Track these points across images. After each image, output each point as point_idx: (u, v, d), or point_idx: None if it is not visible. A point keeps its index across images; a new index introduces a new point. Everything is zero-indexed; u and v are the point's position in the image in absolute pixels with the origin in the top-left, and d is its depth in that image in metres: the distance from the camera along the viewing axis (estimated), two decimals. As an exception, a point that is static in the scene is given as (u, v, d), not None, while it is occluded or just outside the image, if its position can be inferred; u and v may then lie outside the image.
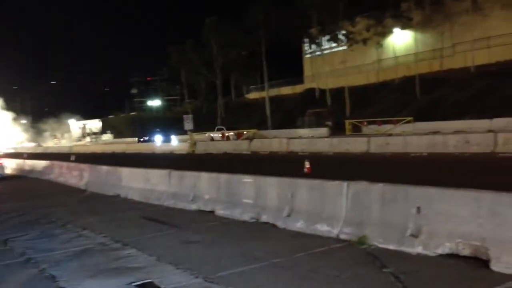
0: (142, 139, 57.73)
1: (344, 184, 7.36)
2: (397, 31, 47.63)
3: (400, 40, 48.92)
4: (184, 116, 37.27)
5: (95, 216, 10.93)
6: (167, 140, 48.25)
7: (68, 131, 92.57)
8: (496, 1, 39.35)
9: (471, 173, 12.70)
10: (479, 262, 5.45)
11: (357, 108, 45.45)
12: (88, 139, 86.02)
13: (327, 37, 53.11)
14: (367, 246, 6.55)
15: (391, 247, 6.36)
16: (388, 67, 49.25)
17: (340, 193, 7.35)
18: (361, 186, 7.17)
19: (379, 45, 47.92)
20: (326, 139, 29.87)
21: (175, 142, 45.43)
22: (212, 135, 46.24)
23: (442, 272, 5.44)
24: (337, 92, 49.37)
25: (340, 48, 52.77)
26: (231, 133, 43.45)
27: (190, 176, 11.40)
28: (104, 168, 16.18)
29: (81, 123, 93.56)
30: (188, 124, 35.34)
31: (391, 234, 6.49)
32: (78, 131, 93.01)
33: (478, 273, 5.27)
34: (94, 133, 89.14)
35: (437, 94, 40.16)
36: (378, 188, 6.91)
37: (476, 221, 5.66)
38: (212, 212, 10.01)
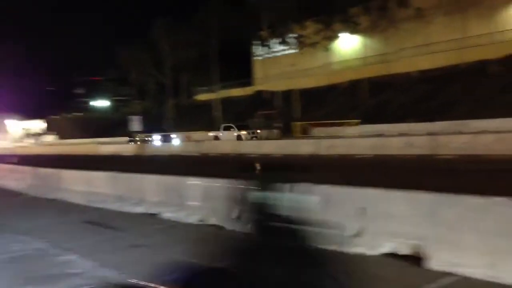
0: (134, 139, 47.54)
1: (288, 186, 7.39)
2: (345, 35, 48.77)
3: (349, 44, 50.16)
4: (130, 116, 36.40)
5: (34, 220, 10.48)
6: (167, 140, 41.49)
7: (6, 132, 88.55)
8: (438, 8, 41.02)
9: (413, 175, 13.14)
10: (418, 260, 5.62)
11: (307, 110, 46.11)
12: (30, 140, 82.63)
13: (277, 40, 53.63)
14: (311, 247, 6.60)
15: (334, 248, 6.44)
16: (337, 70, 50.28)
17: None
18: (305, 187, 7.23)
19: (328, 49, 48.87)
20: (275, 141, 30.13)
21: (177, 142, 40.04)
22: (212, 134, 39.88)
23: (382, 271, 5.57)
24: (287, 95, 49.91)
25: (290, 51, 53.43)
26: (243, 132, 37.06)
27: (135, 179, 11.15)
28: (45, 170, 15.56)
29: (23, 123, 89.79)
30: (136, 125, 34.65)
31: (333, 235, 6.57)
32: (19, 132, 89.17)
33: (415, 271, 5.44)
34: (38, 134, 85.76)
35: (383, 98, 41.41)
36: (322, 189, 7.00)
37: (416, 220, 5.85)
38: (158, 215, 9.83)
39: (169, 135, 42.09)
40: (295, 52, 52.33)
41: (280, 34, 51.76)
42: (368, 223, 6.31)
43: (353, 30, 47.15)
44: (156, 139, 41.85)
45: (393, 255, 5.94)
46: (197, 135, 44.61)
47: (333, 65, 51.17)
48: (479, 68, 35.87)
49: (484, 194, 5.41)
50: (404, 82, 41.19)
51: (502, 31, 37.86)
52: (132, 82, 72.63)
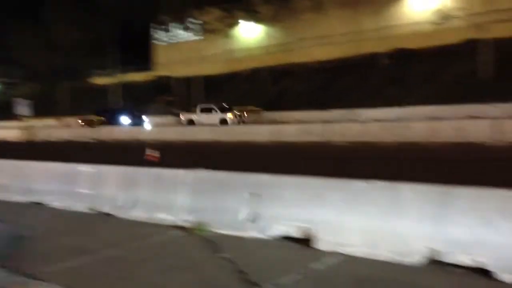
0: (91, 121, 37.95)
1: (184, 172, 7.34)
2: (248, 23, 49.23)
3: (252, 32, 50.71)
4: (16, 99, 33.53)
5: None
6: (137, 122, 35.19)
7: None
8: (334, 1, 42.84)
9: (306, 160, 13.68)
10: (307, 242, 5.85)
11: (209, 97, 46.03)
12: None
13: (179, 25, 52.75)
14: (206, 232, 6.61)
15: (229, 232, 6.51)
16: (239, 58, 50.63)
17: (180, 181, 7.31)
18: (200, 173, 7.22)
19: (230, 36, 49.03)
20: (175, 127, 29.75)
21: (148, 125, 33.93)
22: (185, 117, 33.83)
23: (273, 254, 5.74)
24: (189, 81, 49.42)
25: (193, 37, 52.85)
26: (229, 116, 31.00)
27: (19, 166, 10.37)
28: None
29: None
30: (23, 109, 32.14)
31: (228, 220, 6.64)
32: None
33: (304, 252, 5.67)
34: None
35: (284, 86, 42.58)
36: (216, 175, 7.03)
37: (305, 204, 6.08)
38: (45, 203, 9.24)
39: (139, 117, 35.88)
40: (197, 39, 51.86)
41: (180, 19, 50.91)
42: (260, 207, 6.44)
43: (255, 19, 47.71)
44: (125, 121, 35.11)
45: (285, 238, 6.13)
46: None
47: (235, 52, 51.46)
48: (371, 61, 38.13)
49: (367, 178, 5.75)
50: (303, 71, 42.62)
51: (391, 25, 40.44)
52: (20, 63, 67.27)
